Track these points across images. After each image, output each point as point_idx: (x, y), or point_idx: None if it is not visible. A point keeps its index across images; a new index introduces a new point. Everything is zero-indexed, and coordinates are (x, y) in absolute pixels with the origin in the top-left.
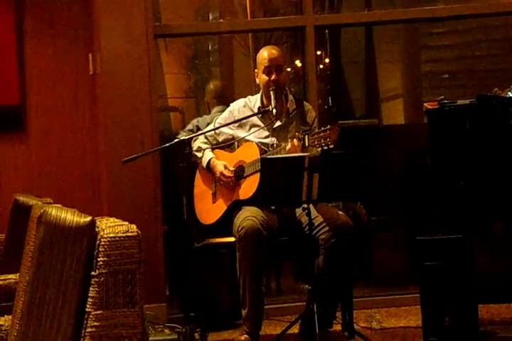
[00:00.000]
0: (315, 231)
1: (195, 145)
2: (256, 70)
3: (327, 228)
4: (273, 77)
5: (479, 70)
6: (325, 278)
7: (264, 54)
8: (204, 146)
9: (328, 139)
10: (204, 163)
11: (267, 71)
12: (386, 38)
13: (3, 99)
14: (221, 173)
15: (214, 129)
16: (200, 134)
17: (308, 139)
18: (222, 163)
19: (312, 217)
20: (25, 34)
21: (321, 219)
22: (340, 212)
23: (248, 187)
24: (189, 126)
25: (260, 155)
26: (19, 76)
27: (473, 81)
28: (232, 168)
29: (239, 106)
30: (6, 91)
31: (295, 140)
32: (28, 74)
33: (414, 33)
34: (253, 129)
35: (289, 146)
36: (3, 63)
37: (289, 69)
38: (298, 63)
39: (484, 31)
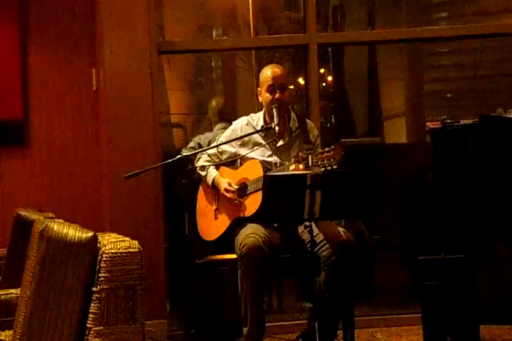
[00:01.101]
0: (316, 249)
1: (198, 164)
2: (259, 89)
3: (328, 245)
4: (277, 95)
5: (482, 90)
6: (326, 296)
7: (268, 72)
8: (207, 165)
9: (331, 159)
10: (209, 181)
11: (271, 89)
12: (389, 57)
13: (6, 114)
14: (225, 189)
15: (216, 146)
16: (203, 150)
17: (312, 159)
18: (226, 180)
19: (314, 234)
20: (29, 49)
21: (323, 237)
22: (341, 229)
23: (251, 205)
24: (191, 144)
25: (264, 173)
26: (22, 90)
27: (477, 101)
28: (236, 186)
29: (241, 125)
30: (10, 105)
31: (300, 165)
32: (31, 89)
33: (418, 52)
34: (256, 147)
35: (292, 167)
36: (6, 77)
37: (291, 87)
38: (301, 81)
39: (488, 51)
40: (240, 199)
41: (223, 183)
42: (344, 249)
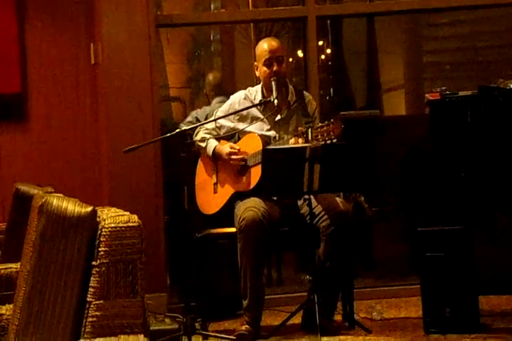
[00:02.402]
0: (316, 220)
1: (198, 136)
2: (256, 63)
3: (327, 216)
4: (274, 68)
5: (481, 61)
6: (326, 266)
7: (264, 46)
8: (207, 136)
9: (331, 133)
10: (210, 151)
11: (268, 63)
12: (388, 29)
13: (4, 88)
14: (229, 153)
15: (215, 120)
16: (201, 125)
17: (312, 133)
18: (228, 144)
19: (313, 207)
20: (27, 23)
21: (321, 208)
22: (339, 200)
23: (250, 178)
24: (188, 118)
25: (263, 147)
26: (21, 64)
27: (476, 72)
28: (237, 147)
29: (239, 99)
30: (8, 79)
31: (300, 139)
32: (29, 63)
33: (416, 24)
34: (254, 121)
35: (292, 141)
36: (4, 52)
37: (290, 60)
38: (299, 53)
39: (486, 22)
40: (240, 174)
41: (225, 148)
42: (342, 219)
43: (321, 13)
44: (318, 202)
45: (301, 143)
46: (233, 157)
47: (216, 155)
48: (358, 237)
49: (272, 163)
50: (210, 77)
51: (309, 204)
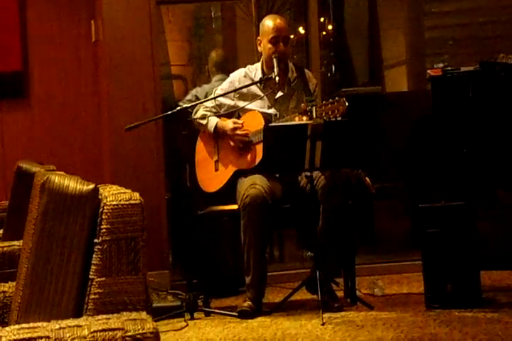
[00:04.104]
0: (314, 184)
1: (198, 114)
2: (259, 38)
3: (324, 176)
4: (280, 47)
5: (484, 37)
6: (326, 227)
7: (271, 23)
8: (208, 114)
9: (336, 111)
10: (211, 127)
11: (274, 41)
12: (389, 5)
13: (5, 66)
14: (233, 129)
15: (214, 98)
16: (202, 102)
17: (316, 111)
18: (232, 120)
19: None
20: (27, 1)
21: (320, 173)
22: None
23: (253, 156)
24: (188, 96)
25: (264, 124)
26: (21, 42)
27: (478, 48)
28: (241, 121)
29: (239, 77)
30: (9, 57)
31: (304, 117)
32: (30, 41)
33: (418, 0)
34: (255, 99)
35: (296, 119)
36: (5, 30)
37: (291, 36)
38: (301, 30)
39: None
40: (243, 150)
41: (229, 123)
42: (341, 178)
43: None
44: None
45: (305, 120)
46: (238, 132)
47: (219, 131)
48: (359, 213)
49: (274, 140)
50: (213, 54)
51: (311, 182)
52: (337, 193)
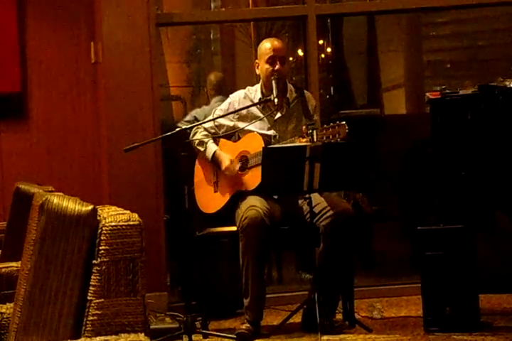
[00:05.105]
0: (316, 219)
1: (196, 137)
2: (257, 61)
3: (327, 214)
4: (276, 67)
5: (481, 60)
6: (326, 264)
7: (268, 44)
8: (206, 139)
9: (337, 135)
10: (209, 156)
11: (271, 61)
12: (388, 28)
13: (4, 87)
14: (227, 168)
15: (214, 119)
16: (201, 124)
17: (317, 134)
18: (228, 157)
19: (313, 206)
20: (27, 22)
21: (322, 207)
22: (341, 199)
23: (252, 179)
24: (187, 118)
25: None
26: (21, 63)
27: (476, 71)
28: (238, 165)
29: (239, 98)
30: (8, 78)
31: (304, 140)
32: (29, 62)
33: (417, 23)
34: (254, 120)
35: (297, 142)
36: (4, 50)
37: (290, 59)
38: (300, 52)
39: (486, 21)
40: (242, 172)
41: (225, 160)
42: (343, 218)
43: (321, 11)
44: (325, 200)
45: (305, 143)
46: (227, 173)
47: (215, 161)
48: (357, 235)
49: (272, 162)
50: (212, 76)
51: (309, 203)
52: (340, 234)
